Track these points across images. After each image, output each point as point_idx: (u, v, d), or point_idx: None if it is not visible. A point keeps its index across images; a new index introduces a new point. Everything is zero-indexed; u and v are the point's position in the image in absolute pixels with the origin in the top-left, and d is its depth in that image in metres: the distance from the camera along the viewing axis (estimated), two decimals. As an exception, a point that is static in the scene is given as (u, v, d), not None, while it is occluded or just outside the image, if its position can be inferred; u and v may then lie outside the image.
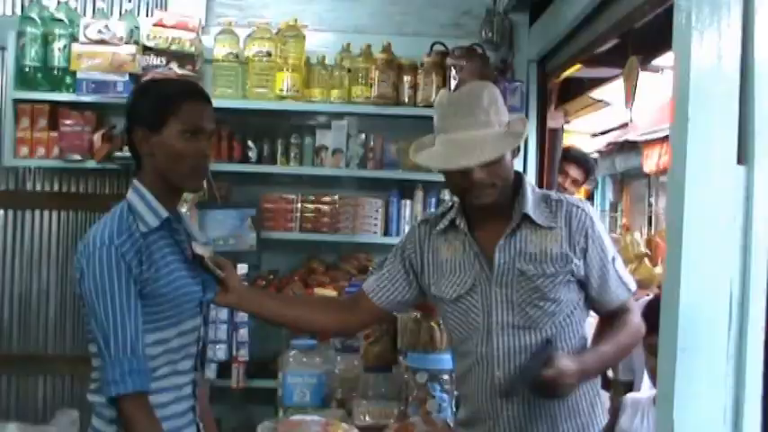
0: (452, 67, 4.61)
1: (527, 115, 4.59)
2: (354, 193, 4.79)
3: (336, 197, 4.77)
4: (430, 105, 4.25)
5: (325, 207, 4.76)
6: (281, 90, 4.65)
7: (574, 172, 4.78)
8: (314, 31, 4.80)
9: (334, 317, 2.46)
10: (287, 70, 4.65)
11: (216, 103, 2.40)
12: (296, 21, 4.77)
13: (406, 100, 4.67)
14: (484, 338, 2.28)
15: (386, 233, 4.69)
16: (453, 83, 4.60)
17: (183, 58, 4.48)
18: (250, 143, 4.77)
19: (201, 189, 2.74)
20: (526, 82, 4.65)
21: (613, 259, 2.25)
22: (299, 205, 4.76)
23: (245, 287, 2.41)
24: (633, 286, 2.33)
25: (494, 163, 2.15)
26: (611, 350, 2.21)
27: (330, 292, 4.15)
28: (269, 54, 4.67)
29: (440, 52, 4.70)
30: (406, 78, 4.70)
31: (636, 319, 2.30)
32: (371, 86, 4.69)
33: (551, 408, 2.27)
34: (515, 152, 2.24)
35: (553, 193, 2.32)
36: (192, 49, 4.53)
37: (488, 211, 2.25)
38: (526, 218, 2.26)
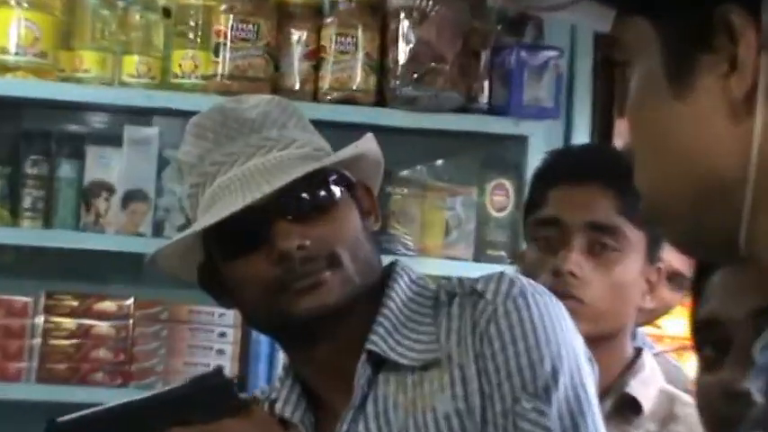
0: (402, 14, 2.80)
1: (568, 120, 3.06)
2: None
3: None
4: (349, 101, 2.78)
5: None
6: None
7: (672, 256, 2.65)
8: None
9: None
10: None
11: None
12: None
13: (297, 86, 2.77)
14: None
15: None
16: (403, 49, 2.77)
17: None
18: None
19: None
20: (569, 56, 2.97)
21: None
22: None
23: None
24: None
25: (320, 211, 1.43)
26: None
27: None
28: None
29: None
30: (298, 36, 2.76)
31: None
32: (217, 51, 2.68)
33: None
34: (370, 214, 1.52)
35: (459, 281, 1.52)
36: None
37: (330, 366, 1.49)
38: (379, 359, 1.47)
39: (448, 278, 1.52)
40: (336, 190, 1.39)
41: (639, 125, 0.87)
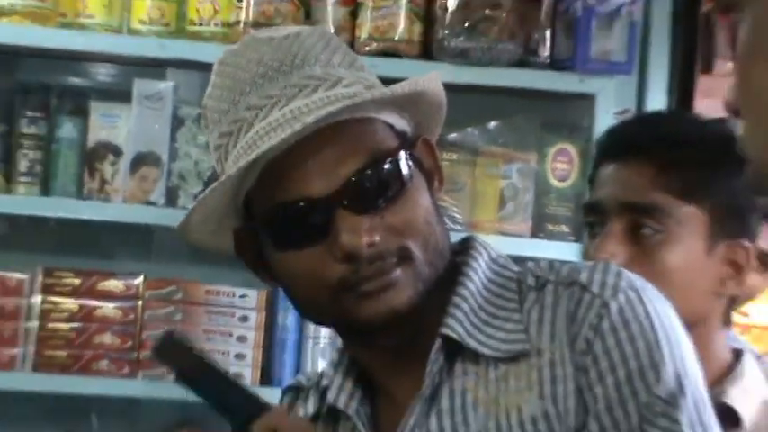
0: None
1: (642, 77, 3.03)
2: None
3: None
4: (390, 53, 2.75)
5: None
6: None
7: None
8: None
9: None
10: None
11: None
12: None
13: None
14: None
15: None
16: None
17: None
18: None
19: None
20: (644, 0, 2.99)
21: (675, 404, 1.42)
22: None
23: None
24: None
25: (392, 196, 1.36)
26: None
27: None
28: None
29: None
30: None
31: None
32: None
33: None
34: (433, 177, 1.45)
35: (550, 265, 1.46)
36: None
37: (397, 353, 1.46)
38: (455, 347, 1.43)
39: (531, 259, 1.51)
40: (406, 167, 1.34)
41: (751, 78, 0.87)
